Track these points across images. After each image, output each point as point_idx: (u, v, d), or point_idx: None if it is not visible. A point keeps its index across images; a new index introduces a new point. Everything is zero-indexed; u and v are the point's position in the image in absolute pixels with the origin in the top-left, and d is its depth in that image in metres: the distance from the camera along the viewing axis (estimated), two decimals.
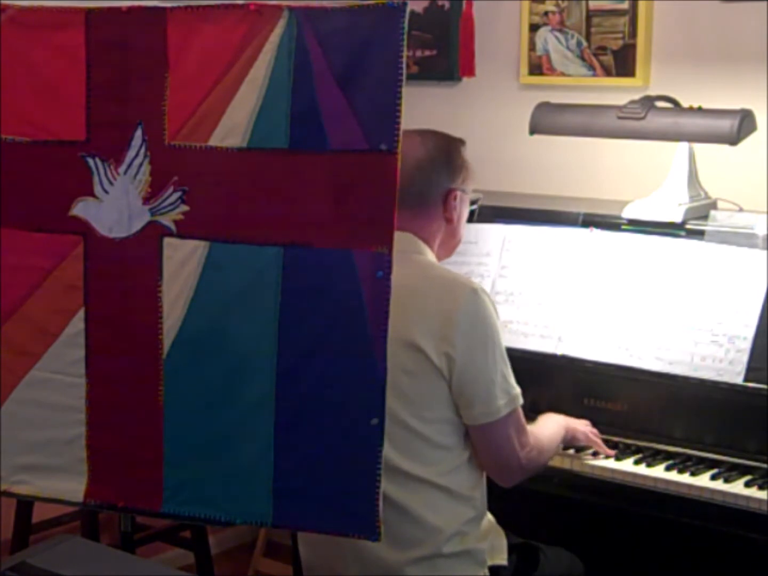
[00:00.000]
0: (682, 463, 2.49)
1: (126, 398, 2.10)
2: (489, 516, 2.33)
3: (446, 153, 2.33)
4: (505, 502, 2.33)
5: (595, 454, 2.55)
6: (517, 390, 2.24)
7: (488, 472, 2.29)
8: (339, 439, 1.98)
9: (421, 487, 2.20)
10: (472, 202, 2.42)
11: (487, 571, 2.28)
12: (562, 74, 3.27)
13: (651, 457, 2.53)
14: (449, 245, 2.39)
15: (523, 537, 2.44)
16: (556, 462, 2.51)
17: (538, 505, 2.64)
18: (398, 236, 2.21)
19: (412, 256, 2.26)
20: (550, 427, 2.43)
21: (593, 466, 2.52)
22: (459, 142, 2.37)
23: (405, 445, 2.19)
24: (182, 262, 2.02)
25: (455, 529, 2.22)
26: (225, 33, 1.96)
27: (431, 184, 2.30)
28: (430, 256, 2.31)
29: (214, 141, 1.98)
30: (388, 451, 2.15)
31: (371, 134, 1.88)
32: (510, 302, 2.78)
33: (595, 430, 2.56)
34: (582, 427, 2.53)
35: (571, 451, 2.56)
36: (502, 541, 2.34)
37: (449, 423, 2.22)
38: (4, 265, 2.12)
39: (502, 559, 2.32)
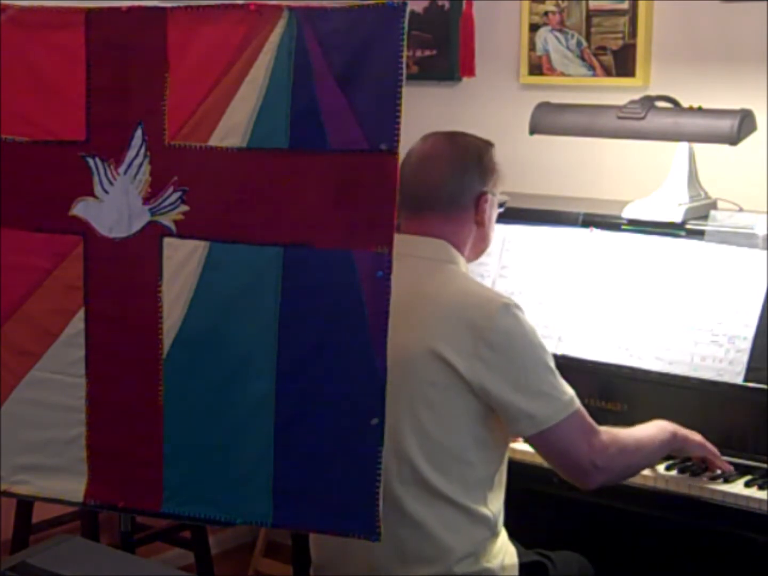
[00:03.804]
0: (682, 463, 2.49)
1: (126, 398, 2.10)
2: (503, 533, 2.28)
3: (478, 155, 2.30)
4: (513, 506, 2.32)
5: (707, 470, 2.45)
6: (570, 394, 2.17)
7: (562, 476, 2.24)
8: (339, 439, 1.97)
9: (440, 503, 2.16)
10: (500, 205, 2.40)
11: None
12: (562, 74, 3.27)
13: None
14: (478, 249, 2.36)
15: (532, 540, 2.42)
16: None
17: (539, 507, 2.64)
18: (431, 242, 2.25)
19: (445, 265, 2.25)
20: (646, 429, 2.35)
21: None
22: (489, 145, 2.34)
23: (430, 455, 2.16)
24: (182, 262, 2.02)
25: (468, 550, 2.19)
26: (225, 33, 1.96)
27: (464, 188, 2.27)
28: (463, 266, 2.28)
29: (214, 141, 1.98)
30: (421, 462, 2.15)
31: (371, 134, 1.88)
32: None
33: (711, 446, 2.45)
34: (697, 438, 2.42)
35: None
36: (513, 560, 2.30)
37: (472, 437, 2.17)
38: (4, 265, 2.12)
39: None
